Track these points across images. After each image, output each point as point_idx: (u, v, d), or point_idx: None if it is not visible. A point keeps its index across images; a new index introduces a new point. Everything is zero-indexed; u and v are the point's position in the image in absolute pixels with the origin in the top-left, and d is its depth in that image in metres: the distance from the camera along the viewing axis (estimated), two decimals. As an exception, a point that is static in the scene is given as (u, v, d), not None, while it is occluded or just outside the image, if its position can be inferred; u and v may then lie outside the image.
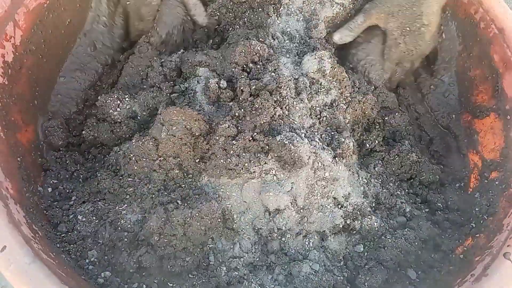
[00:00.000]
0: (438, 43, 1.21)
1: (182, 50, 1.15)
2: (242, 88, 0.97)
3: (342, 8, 1.19)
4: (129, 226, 0.90)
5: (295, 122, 0.98)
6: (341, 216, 0.96)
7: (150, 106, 1.08)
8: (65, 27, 1.11)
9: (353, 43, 1.21)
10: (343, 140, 1.00)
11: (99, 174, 0.99)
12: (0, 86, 0.92)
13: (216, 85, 1.00)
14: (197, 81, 1.06)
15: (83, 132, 1.07)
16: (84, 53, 1.17)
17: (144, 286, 0.86)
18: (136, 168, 0.96)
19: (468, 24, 1.17)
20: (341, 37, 1.14)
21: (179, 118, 0.92)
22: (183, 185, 0.96)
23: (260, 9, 1.15)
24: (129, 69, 1.15)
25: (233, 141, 0.92)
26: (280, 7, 1.16)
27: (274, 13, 1.15)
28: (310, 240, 0.95)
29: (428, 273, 0.95)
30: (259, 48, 1.03)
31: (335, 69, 1.06)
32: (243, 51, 1.03)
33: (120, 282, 0.84)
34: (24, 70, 0.99)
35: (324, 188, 0.96)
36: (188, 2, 1.17)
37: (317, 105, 1.02)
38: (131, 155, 0.96)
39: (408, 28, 1.12)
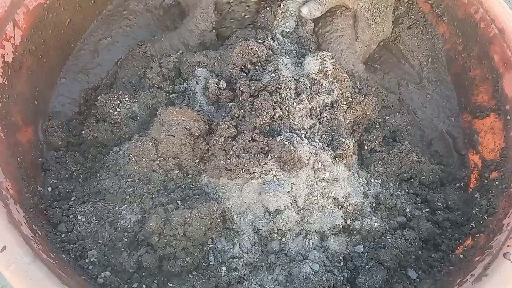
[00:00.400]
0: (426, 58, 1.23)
1: (180, 51, 1.15)
2: (241, 88, 0.97)
3: None
4: (129, 226, 0.90)
5: (295, 123, 0.98)
6: (341, 216, 0.96)
7: (150, 106, 1.08)
8: (65, 27, 1.11)
9: (320, 22, 1.17)
10: (343, 140, 1.00)
11: (99, 174, 0.99)
12: (0, 86, 0.92)
13: (216, 85, 1.00)
14: (196, 82, 1.06)
15: (83, 132, 1.07)
16: (87, 59, 1.18)
17: (144, 286, 0.86)
18: (135, 168, 0.96)
19: (468, 24, 1.17)
20: (309, 10, 1.09)
21: (179, 118, 0.92)
22: (183, 186, 0.96)
23: (268, 9, 1.16)
24: (125, 71, 1.16)
25: (233, 142, 0.92)
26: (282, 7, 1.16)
27: (281, 15, 1.15)
28: (310, 240, 0.95)
29: (428, 273, 0.95)
30: (257, 49, 1.03)
31: (337, 69, 1.06)
32: (241, 52, 1.03)
33: (120, 282, 0.84)
34: (24, 70, 0.99)
35: (324, 188, 0.96)
36: None
37: (317, 105, 1.02)
38: (131, 155, 0.96)
39: (378, 9, 1.13)
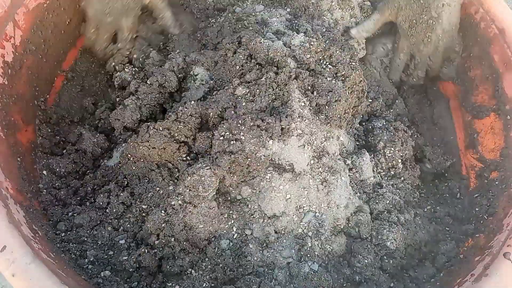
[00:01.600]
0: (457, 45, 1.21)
1: (178, 50, 1.15)
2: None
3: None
4: (128, 225, 0.90)
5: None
6: (342, 217, 0.96)
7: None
8: (65, 27, 1.11)
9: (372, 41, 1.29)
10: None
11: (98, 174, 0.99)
12: (0, 86, 0.92)
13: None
14: (193, 80, 1.05)
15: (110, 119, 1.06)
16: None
17: (144, 285, 0.86)
18: (134, 168, 0.96)
19: (468, 24, 1.17)
20: (357, 31, 1.22)
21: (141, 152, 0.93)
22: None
23: None
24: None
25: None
26: None
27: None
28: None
29: (428, 273, 0.95)
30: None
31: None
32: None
33: (119, 281, 0.84)
34: (24, 70, 0.99)
35: (325, 190, 0.96)
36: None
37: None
38: (129, 155, 0.96)
39: (415, 21, 1.16)
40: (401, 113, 1.26)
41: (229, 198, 0.94)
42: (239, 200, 0.94)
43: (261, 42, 0.97)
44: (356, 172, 1.03)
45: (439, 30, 1.14)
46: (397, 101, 1.26)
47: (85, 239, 0.89)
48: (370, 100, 1.19)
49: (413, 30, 1.16)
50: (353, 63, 1.01)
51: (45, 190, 0.96)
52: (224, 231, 0.92)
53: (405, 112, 1.27)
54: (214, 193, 0.91)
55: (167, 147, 0.91)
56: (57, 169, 1.00)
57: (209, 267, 0.88)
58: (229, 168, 0.88)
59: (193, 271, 0.88)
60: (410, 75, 1.25)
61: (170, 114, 0.94)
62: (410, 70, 1.25)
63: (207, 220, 0.89)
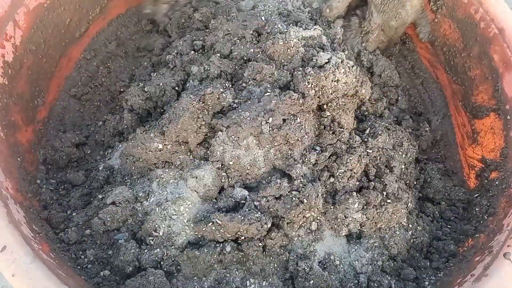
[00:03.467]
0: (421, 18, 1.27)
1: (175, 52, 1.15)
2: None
3: None
4: (128, 225, 0.90)
5: None
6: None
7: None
8: (65, 27, 1.11)
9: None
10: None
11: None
12: (0, 86, 0.92)
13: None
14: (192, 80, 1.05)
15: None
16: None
17: (143, 284, 0.86)
18: (134, 168, 0.96)
19: (468, 24, 1.17)
20: (329, 9, 1.23)
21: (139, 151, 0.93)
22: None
23: None
24: None
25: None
26: None
27: None
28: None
29: (428, 273, 0.95)
30: None
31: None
32: None
33: (119, 280, 0.84)
34: (24, 70, 0.99)
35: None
36: None
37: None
38: (128, 155, 0.96)
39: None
40: (404, 109, 1.26)
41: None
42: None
43: None
44: None
45: (408, 6, 1.20)
46: (399, 97, 1.26)
47: (85, 239, 0.88)
48: (374, 102, 1.19)
49: (385, 6, 1.21)
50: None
51: (44, 190, 0.96)
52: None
53: (407, 107, 1.28)
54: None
55: (163, 149, 0.91)
56: (57, 168, 1.00)
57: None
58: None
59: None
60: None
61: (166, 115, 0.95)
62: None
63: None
